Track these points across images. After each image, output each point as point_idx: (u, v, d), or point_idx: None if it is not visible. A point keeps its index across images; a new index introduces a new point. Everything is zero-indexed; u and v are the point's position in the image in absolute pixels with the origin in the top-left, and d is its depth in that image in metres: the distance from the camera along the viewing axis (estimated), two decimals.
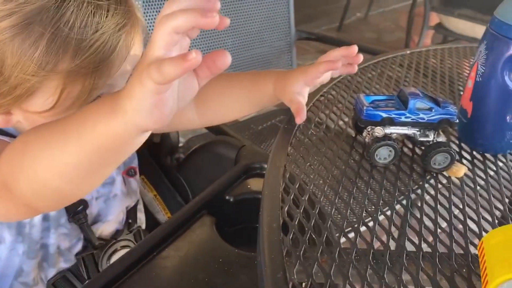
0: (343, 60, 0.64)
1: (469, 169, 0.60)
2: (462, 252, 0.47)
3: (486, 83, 0.59)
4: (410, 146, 0.63)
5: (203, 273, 0.56)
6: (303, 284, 0.41)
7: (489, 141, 0.63)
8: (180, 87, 0.40)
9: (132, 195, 0.74)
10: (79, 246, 0.67)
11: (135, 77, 0.37)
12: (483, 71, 0.59)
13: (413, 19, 2.64)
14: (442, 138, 0.61)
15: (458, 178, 0.58)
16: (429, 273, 0.43)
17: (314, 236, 0.46)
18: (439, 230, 0.49)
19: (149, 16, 1.14)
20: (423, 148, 0.60)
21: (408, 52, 0.94)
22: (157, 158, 0.86)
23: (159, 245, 0.59)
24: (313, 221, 0.48)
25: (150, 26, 1.06)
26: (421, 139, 0.60)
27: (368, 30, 3.52)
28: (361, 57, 0.65)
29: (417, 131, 0.60)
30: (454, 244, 0.47)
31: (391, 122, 0.59)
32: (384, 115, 0.59)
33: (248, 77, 0.72)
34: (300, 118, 0.60)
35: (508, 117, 0.60)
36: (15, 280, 0.62)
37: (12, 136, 0.57)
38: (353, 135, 0.64)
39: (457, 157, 0.59)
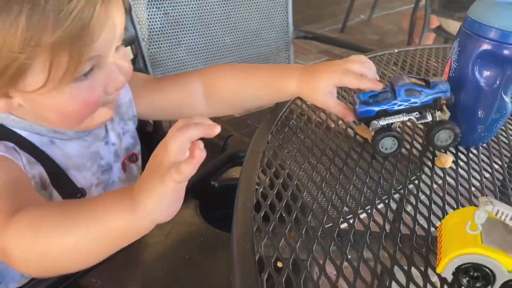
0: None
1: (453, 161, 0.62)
2: (423, 234, 0.50)
3: (458, 78, 0.62)
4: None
5: (184, 251, 0.59)
6: (269, 257, 0.44)
7: (461, 134, 0.66)
8: None
9: (132, 181, 0.77)
10: None
11: (154, 176, 0.45)
12: (455, 67, 0.62)
13: (415, 21, 2.66)
14: (446, 116, 0.62)
15: (441, 169, 0.61)
16: (389, 251, 0.47)
17: (284, 215, 0.49)
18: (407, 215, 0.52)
19: None
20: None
21: (396, 50, 0.97)
22: (150, 147, 0.89)
23: None
24: (285, 201, 0.51)
25: None
26: (420, 121, 0.62)
27: (371, 32, 3.54)
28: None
29: (415, 115, 0.61)
30: (417, 226, 0.50)
31: (387, 113, 0.61)
32: (377, 109, 0.61)
33: (268, 73, 0.73)
34: (351, 117, 0.65)
35: (479, 112, 0.63)
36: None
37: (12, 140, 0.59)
38: (332, 126, 0.68)
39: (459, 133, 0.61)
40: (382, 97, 0.61)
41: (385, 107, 0.61)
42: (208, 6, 1.37)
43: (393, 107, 0.61)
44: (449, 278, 0.43)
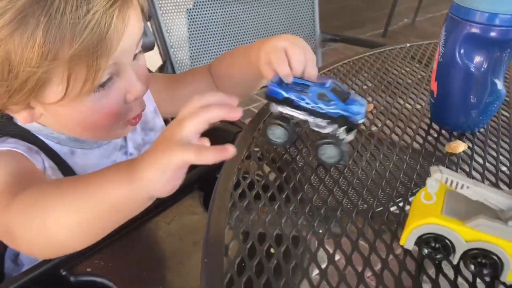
0: None
1: (469, 147, 0.62)
2: (397, 212, 0.51)
3: (446, 63, 0.63)
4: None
5: (185, 238, 0.63)
6: (240, 228, 0.47)
7: (455, 119, 0.66)
8: None
9: None
10: None
11: (158, 150, 0.43)
12: (443, 51, 0.63)
13: None
14: (351, 136, 0.58)
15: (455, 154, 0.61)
16: (357, 225, 0.48)
17: (260, 192, 0.52)
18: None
19: None
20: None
21: (408, 45, 0.97)
22: None
23: (149, 213, 0.66)
24: (263, 181, 0.54)
25: None
26: (315, 128, 0.58)
27: (415, 36, 3.46)
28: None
29: (317, 121, 0.57)
30: (391, 203, 0.52)
31: (292, 105, 0.58)
32: (285, 94, 0.58)
33: (243, 50, 0.73)
34: (269, 76, 0.61)
35: (471, 96, 0.63)
36: None
37: (27, 139, 0.61)
38: None
39: (345, 155, 0.56)
40: (298, 88, 0.58)
41: (293, 97, 0.57)
42: (234, 13, 1.43)
43: (300, 102, 0.57)
44: (412, 249, 0.44)
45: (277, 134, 0.60)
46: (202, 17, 1.39)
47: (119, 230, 0.60)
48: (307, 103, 0.57)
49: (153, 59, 1.35)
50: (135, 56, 0.60)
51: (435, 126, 0.68)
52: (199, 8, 1.37)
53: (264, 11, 1.49)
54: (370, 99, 0.75)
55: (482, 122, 0.66)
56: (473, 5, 0.59)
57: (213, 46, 1.41)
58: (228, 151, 0.42)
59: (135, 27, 0.57)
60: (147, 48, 0.91)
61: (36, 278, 0.53)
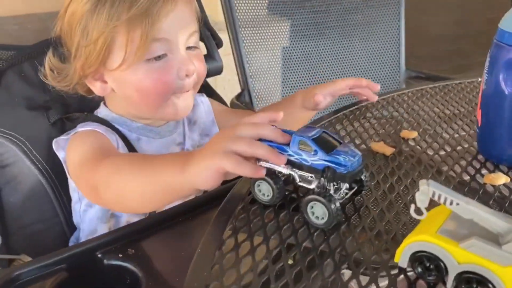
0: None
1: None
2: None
3: (490, 90, 0.60)
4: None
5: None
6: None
7: (501, 151, 0.61)
8: None
9: None
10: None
11: (208, 151, 0.52)
12: (487, 78, 0.60)
13: None
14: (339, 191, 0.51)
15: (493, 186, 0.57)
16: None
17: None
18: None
19: None
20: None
21: (479, 79, 0.92)
22: None
23: (187, 213, 0.71)
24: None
25: None
26: (301, 183, 0.52)
27: None
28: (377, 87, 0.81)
29: (296, 173, 0.51)
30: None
31: None
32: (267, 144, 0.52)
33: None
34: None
35: None
36: (90, 237, 0.80)
37: (105, 125, 0.77)
38: None
39: (336, 212, 0.48)
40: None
41: (275, 147, 0.51)
42: (315, 47, 1.48)
43: (283, 153, 0.51)
44: (406, 267, 0.43)
45: (263, 190, 0.54)
46: (282, 50, 1.46)
47: (152, 225, 0.68)
48: (290, 155, 0.51)
49: (234, 88, 1.45)
50: (189, 47, 0.73)
51: (481, 157, 0.64)
52: (280, 42, 1.45)
53: (347, 45, 1.51)
54: (418, 126, 0.73)
55: None
56: None
57: (292, 78, 1.46)
58: (259, 173, 0.50)
59: (184, 14, 0.71)
60: (215, 72, 0.99)
61: (74, 255, 0.60)
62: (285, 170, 0.52)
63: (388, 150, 0.64)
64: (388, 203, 0.54)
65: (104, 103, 0.81)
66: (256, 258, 0.46)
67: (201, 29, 0.85)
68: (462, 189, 0.57)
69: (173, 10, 0.69)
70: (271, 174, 0.53)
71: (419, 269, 0.42)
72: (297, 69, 1.47)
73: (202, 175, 0.52)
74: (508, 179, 0.58)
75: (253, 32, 1.38)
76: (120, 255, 0.62)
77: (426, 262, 0.42)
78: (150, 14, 0.67)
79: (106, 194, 0.65)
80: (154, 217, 0.72)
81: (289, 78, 1.47)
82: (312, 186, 0.51)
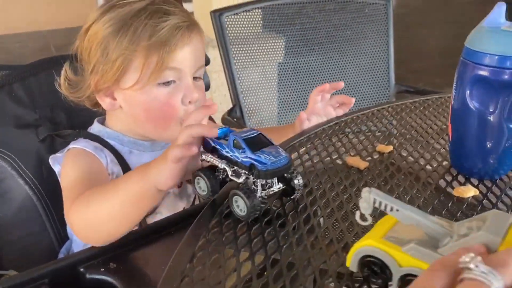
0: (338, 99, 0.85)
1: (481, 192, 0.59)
2: None
3: (458, 106, 0.62)
4: None
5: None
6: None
7: (471, 164, 0.63)
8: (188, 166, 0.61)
9: (184, 198, 0.89)
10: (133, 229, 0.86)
11: (161, 156, 0.61)
12: (455, 94, 0.62)
13: None
14: (276, 186, 0.57)
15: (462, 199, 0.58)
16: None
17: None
18: None
19: None
20: None
21: None
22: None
23: (166, 228, 0.72)
24: None
25: None
26: (233, 177, 0.58)
27: None
28: (352, 100, 0.83)
29: (229, 167, 0.58)
30: None
31: (217, 153, 0.59)
32: (212, 144, 0.60)
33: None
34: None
35: (487, 141, 0.61)
36: (84, 246, 0.84)
37: (96, 140, 0.80)
38: None
39: (254, 207, 0.54)
40: (226, 139, 0.60)
41: (217, 146, 0.59)
42: (306, 63, 1.51)
43: (222, 150, 0.59)
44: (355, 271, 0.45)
45: (201, 185, 0.60)
46: (273, 67, 1.49)
47: (135, 240, 0.69)
48: (227, 152, 0.58)
49: (231, 103, 1.47)
50: (195, 78, 0.80)
51: (453, 170, 0.66)
52: (270, 58, 1.47)
53: (337, 61, 1.54)
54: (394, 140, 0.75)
55: (503, 169, 0.63)
56: (482, 48, 0.58)
57: (282, 94, 1.49)
58: (191, 150, 0.57)
59: (197, 48, 0.79)
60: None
61: (57, 270, 0.62)
62: (221, 164, 0.58)
63: (362, 164, 0.66)
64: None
65: (98, 121, 0.85)
66: (225, 271, 0.48)
67: None
68: (432, 201, 0.59)
69: (188, 44, 0.76)
70: (207, 170, 0.59)
71: (367, 273, 0.44)
72: (288, 84, 1.50)
73: (162, 174, 0.60)
74: (477, 192, 0.60)
75: (244, 48, 1.41)
76: (102, 269, 0.64)
77: (373, 266, 0.44)
78: (168, 45, 0.74)
79: (81, 229, 0.69)
80: (136, 232, 0.74)
81: (280, 94, 1.49)
82: (240, 180, 0.57)
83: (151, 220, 0.85)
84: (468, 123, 0.61)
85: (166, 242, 0.67)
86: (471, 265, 0.29)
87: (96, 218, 0.66)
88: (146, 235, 0.70)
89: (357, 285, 0.45)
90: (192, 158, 0.60)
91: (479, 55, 0.58)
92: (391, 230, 0.44)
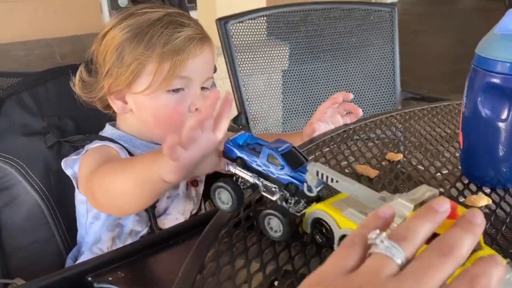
0: (345, 107, 0.85)
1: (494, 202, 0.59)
2: None
3: (469, 114, 0.61)
4: None
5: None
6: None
7: (483, 173, 0.62)
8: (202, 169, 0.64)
9: (190, 201, 0.89)
10: (145, 231, 0.84)
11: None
12: (466, 101, 0.62)
13: None
14: (298, 204, 0.52)
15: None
16: None
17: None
18: None
19: None
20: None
21: None
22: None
23: (176, 237, 0.71)
24: None
25: None
26: (265, 194, 0.54)
27: None
28: (360, 112, 0.83)
29: (262, 183, 0.53)
30: None
31: (245, 165, 0.55)
32: (238, 154, 0.55)
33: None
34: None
35: (499, 149, 0.60)
36: (94, 245, 0.82)
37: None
38: None
39: (288, 231, 0.49)
40: (254, 148, 0.55)
41: (245, 157, 0.54)
42: (311, 70, 1.50)
43: (252, 163, 0.54)
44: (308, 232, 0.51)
45: (223, 198, 0.54)
46: (278, 74, 1.48)
47: (143, 249, 0.69)
48: (258, 165, 0.53)
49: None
50: (203, 88, 0.82)
51: (465, 179, 0.65)
52: (276, 65, 1.47)
53: (343, 68, 1.54)
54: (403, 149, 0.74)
55: None
56: (494, 55, 0.58)
57: (287, 101, 1.48)
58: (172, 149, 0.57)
59: (207, 59, 0.82)
60: None
61: (65, 279, 0.62)
62: (251, 179, 0.54)
63: (373, 173, 0.66)
64: None
65: (110, 124, 0.87)
66: (236, 282, 0.47)
67: None
68: None
69: (199, 55, 0.80)
70: (231, 181, 0.54)
71: (315, 234, 0.50)
72: (294, 92, 1.49)
73: (166, 166, 0.60)
74: (490, 201, 0.59)
75: (249, 56, 1.41)
76: (109, 278, 0.63)
77: (321, 228, 0.50)
78: (181, 53, 0.77)
79: (98, 198, 0.73)
80: (145, 240, 0.74)
81: (285, 101, 1.49)
82: (275, 198, 0.53)
83: (161, 221, 0.85)
84: (479, 130, 0.61)
85: (175, 250, 0.66)
86: (377, 241, 0.32)
87: (112, 189, 0.70)
88: (154, 243, 0.70)
89: None
90: (205, 159, 0.61)
91: (490, 62, 0.58)
92: (342, 199, 0.50)
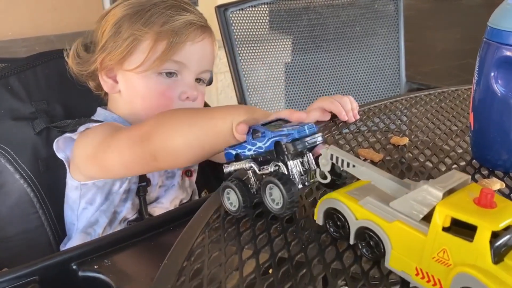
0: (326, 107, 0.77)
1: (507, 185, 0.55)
2: None
3: (481, 92, 0.57)
4: None
5: None
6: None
7: (496, 156, 0.58)
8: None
9: (184, 191, 0.86)
10: (133, 218, 0.80)
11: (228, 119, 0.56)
12: (477, 79, 0.57)
13: None
14: (318, 177, 0.47)
15: None
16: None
17: None
18: None
19: None
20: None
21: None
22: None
23: (164, 225, 0.67)
24: None
25: None
26: (263, 172, 0.50)
27: None
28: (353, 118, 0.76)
29: (256, 164, 0.50)
30: None
31: (241, 158, 0.52)
32: (233, 152, 0.52)
33: None
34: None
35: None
36: (89, 228, 0.77)
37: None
38: None
39: (290, 200, 0.45)
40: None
41: (238, 150, 0.51)
42: (314, 60, 1.46)
43: (244, 152, 0.51)
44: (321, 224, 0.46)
45: (232, 199, 0.50)
46: (280, 64, 1.44)
47: (131, 236, 0.65)
48: (249, 150, 0.50)
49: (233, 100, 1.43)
50: (199, 80, 0.80)
51: (475, 163, 0.61)
52: (277, 56, 1.43)
53: (346, 58, 1.49)
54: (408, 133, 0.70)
55: None
56: (508, 26, 0.53)
57: (290, 91, 1.44)
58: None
59: (206, 49, 0.79)
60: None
61: (48, 267, 0.58)
62: (246, 164, 0.51)
63: (376, 157, 0.61)
64: None
65: (102, 107, 0.83)
66: (226, 269, 0.43)
67: None
68: None
69: (198, 42, 0.77)
70: (239, 181, 0.49)
71: (329, 226, 0.45)
72: (296, 82, 1.45)
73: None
74: (503, 185, 0.55)
75: (250, 46, 1.37)
76: (95, 267, 0.59)
77: (336, 220, 0.44)
78: (179, 35, 0.75)
79: (152, 146, 0.62)
80: (131, 229, 0.70)
81: (287, 92, 1.44)
82: (271, 168, 0.49)
83: (152, 208, 0.82)
84: (492, 110, 0.56)
85: (165, 238, 0.62)
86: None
87: (168, 138, 0.60)
88: (143, 231, 0.66)
89: (374, 282, 0.40)
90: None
91: (504, 34, 0.53)
92: (359, 187, 0.44)
